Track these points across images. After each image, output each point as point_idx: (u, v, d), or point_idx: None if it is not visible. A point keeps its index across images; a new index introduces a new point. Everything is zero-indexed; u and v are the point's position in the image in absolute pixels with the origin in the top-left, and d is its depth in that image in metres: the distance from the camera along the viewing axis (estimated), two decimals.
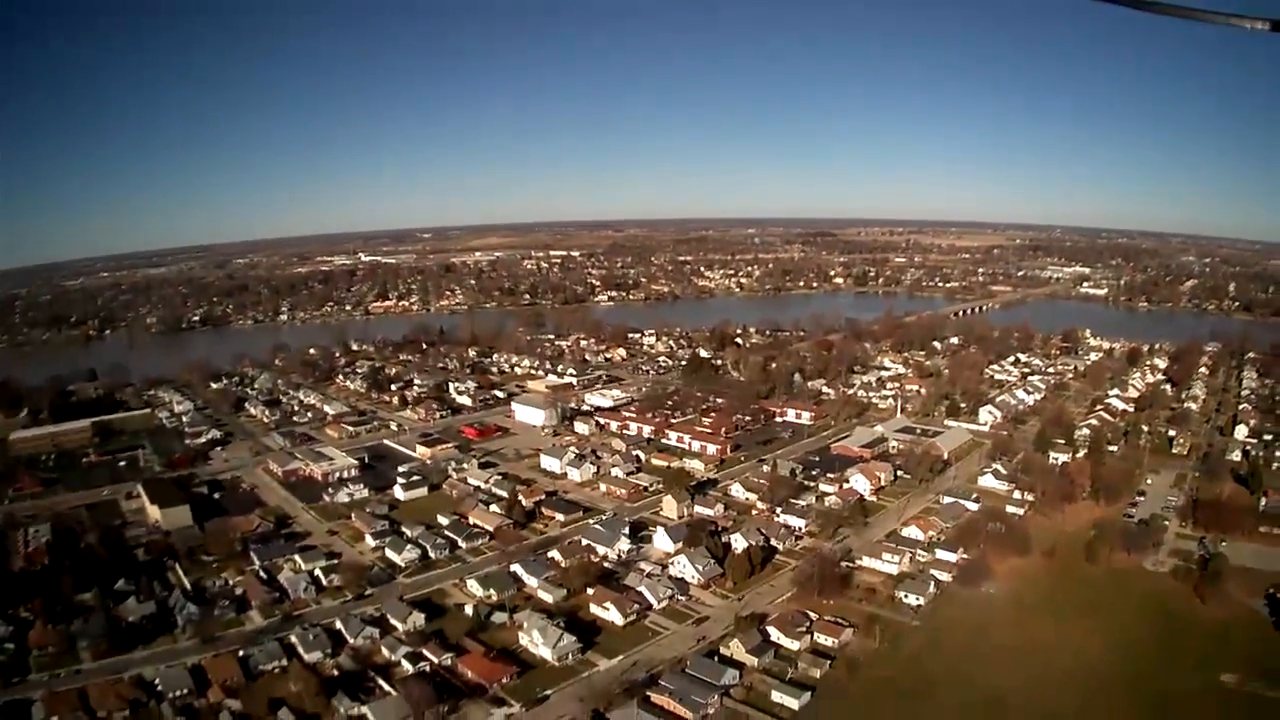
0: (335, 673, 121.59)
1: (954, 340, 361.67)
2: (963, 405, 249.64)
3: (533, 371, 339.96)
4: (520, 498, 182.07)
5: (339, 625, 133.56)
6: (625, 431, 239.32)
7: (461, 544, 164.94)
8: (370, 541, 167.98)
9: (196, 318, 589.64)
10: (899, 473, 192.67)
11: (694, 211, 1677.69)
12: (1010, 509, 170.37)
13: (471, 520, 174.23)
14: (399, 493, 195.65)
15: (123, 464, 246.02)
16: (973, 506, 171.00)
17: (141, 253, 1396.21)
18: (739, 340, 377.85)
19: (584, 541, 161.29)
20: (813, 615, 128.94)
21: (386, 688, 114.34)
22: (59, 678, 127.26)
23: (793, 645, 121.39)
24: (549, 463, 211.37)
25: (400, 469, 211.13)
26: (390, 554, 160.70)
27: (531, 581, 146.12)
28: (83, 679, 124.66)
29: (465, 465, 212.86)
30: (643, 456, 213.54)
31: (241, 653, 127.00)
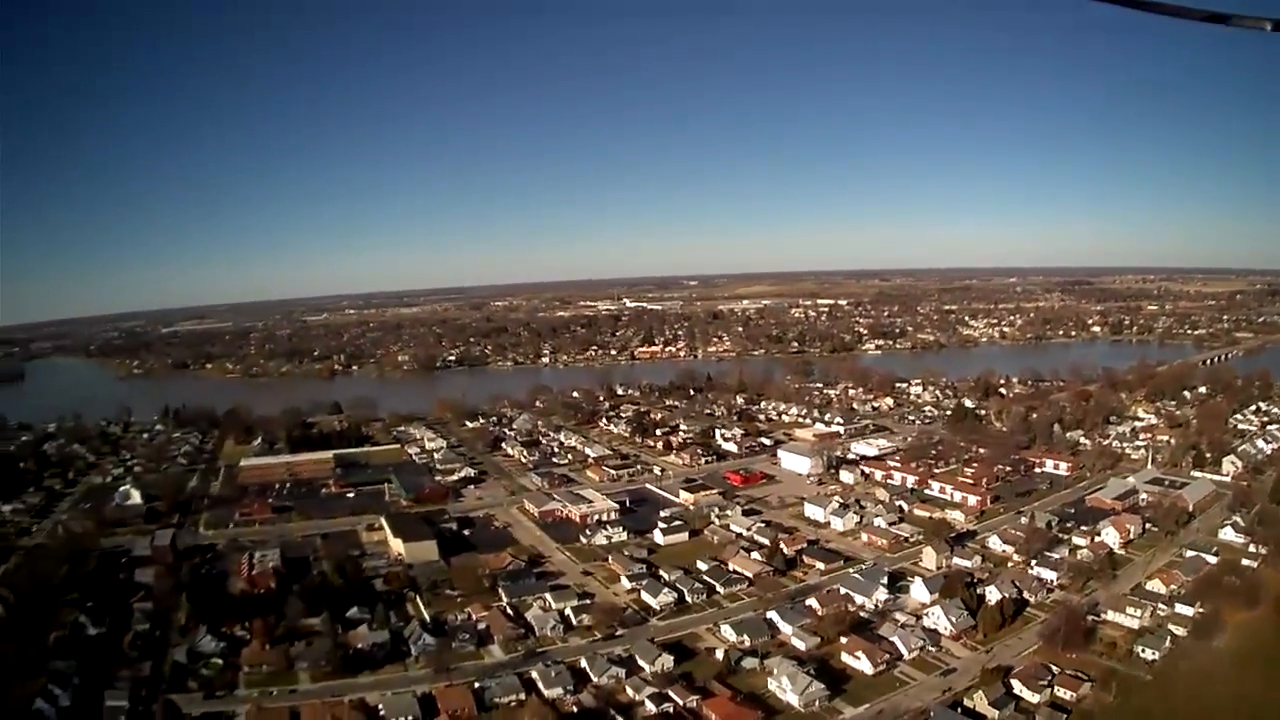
0: (574, 709, 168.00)
1: (1202, 389, 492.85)
2: (1208, 455, 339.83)
3: (800, 420, 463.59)
4: (782, 545, 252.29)
5: (584, 663, 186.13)
6: (889, 481, 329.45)
7: (719, 589, 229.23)
8: (626, 584, 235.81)
9: (452, 357, 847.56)
10: (1146, 525, 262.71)
11: (958, 261, 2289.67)
12: (1245, 562, 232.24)
13: (731, 566, 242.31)
14: (659, 537, 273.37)
15: (366, 497, 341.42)
16: (1211, 559, 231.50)
17: (391, 293, 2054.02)
18: (1001, 390, 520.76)
19: (842, 590, 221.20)
20: (1055, 668, 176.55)
21: None
22: (270, 695, 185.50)
23: (1034, 698, 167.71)
24: (813, 511, 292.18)
25: (662, 514, 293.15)
26: (645, 596, 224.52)
27: (786, 628, 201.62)
28: (297, 698, 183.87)
29: (728, 512, 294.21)
30: (905, 506, 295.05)
31: (477, 685, 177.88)
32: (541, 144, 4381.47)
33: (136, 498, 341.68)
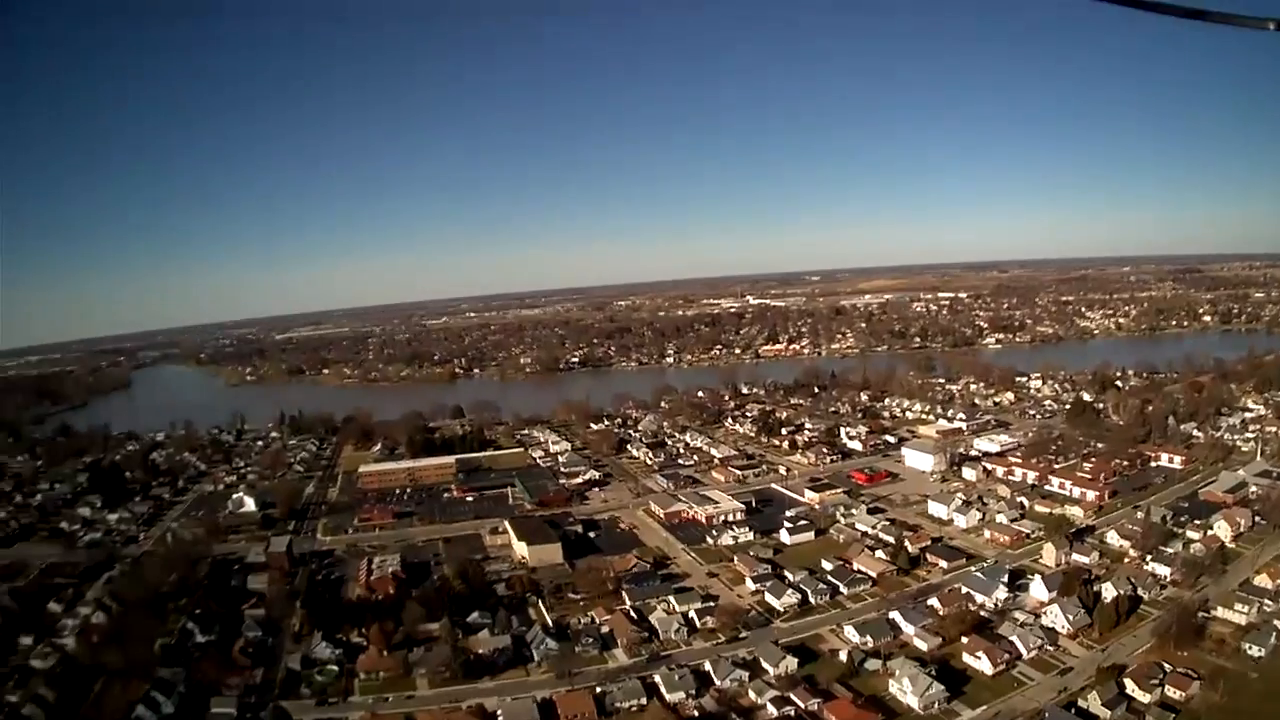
0: (695, 713, 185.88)
1: None
2: None
3: (923, 416, 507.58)
4: (906, 544, 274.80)
5: (707, 666, 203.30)
6: (1010, 477, 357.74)
7: (843, 590, 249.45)
8: (750, 585, 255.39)
9: (576, 359, 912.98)
10: (1256, 519, 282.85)
11: (1072, 250, 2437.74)
12: None
13: (855, 566, 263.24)
14: (785, 537, 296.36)
15: (489, 501, 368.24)
16: None
17: (512, 294, 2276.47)
18: (1118, 383, 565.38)
19: (963, 589, 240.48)
20: (1167, 667, 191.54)
21: None
22: (386, 701, 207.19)
23: (1145, 698, 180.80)
24: (936, 509, 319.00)
25: (787, 513, 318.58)
26: (770, 598, 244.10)
27: (908, 629, 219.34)
28: (414, 705, 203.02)
29: (853, 510, 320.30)
30: (1026, 503, 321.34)
31: (599, 689, 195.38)
32: (668, 140, 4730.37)
33: (250, 505, 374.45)
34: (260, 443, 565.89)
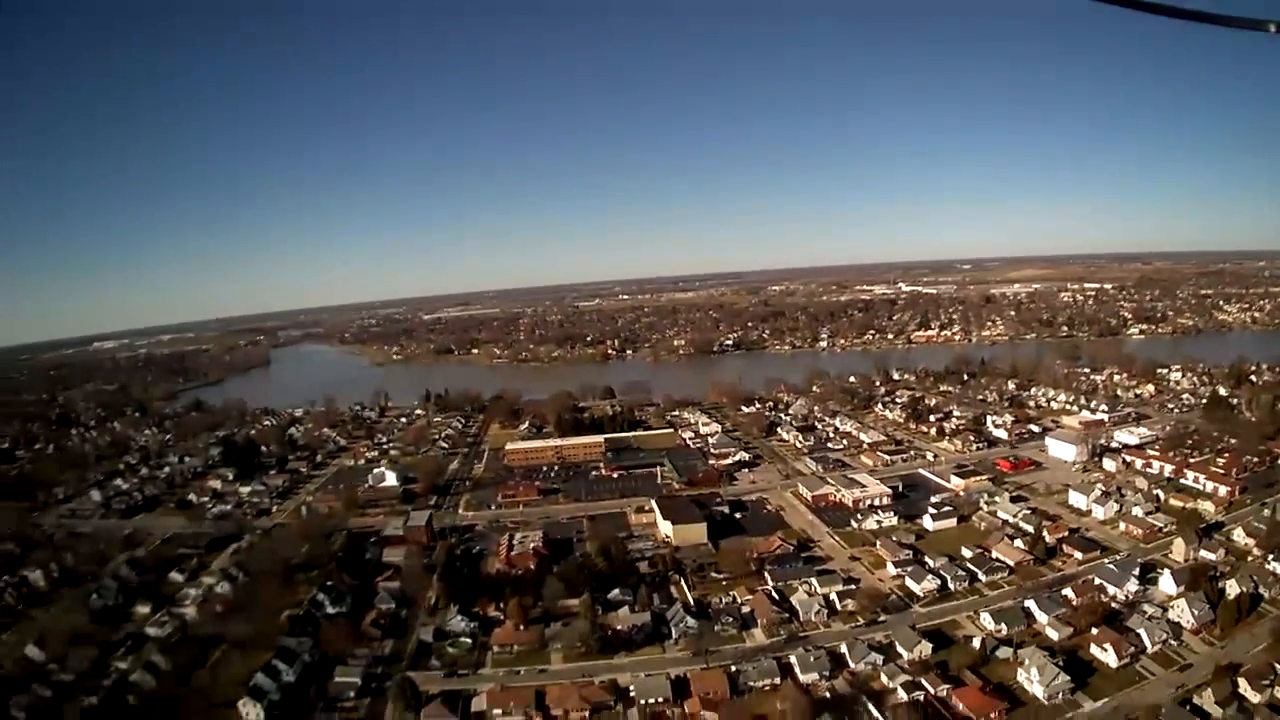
0: (828, 695, 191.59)
1: None
2: None
3: (1067, 406, 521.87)
4: (1044, 533, 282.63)
5: (843, 649, 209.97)
6: (1148, 470, 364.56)
7: (981, 577, 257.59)
8: (891, 570, 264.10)
9: (729, 342, 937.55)
10: None
11: (1213, 244, 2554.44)
12: None
13: (994, 554, 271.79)
14: (928, 523, 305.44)
15: (637, 480, 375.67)
16: None
17: (666, 278, 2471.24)
18: (1252, 377, 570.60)
19: (1096, 580, 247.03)
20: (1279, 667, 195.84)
21: (875, 713, 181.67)
22: (517, 675, 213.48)
23: (1255, 698, 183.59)
24: (1076, 499, 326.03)
25: (932, 499, 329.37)
26: (910, 583, 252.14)
27: (1041, 618, 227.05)
28: (545, 678, 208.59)
29: (996, 499, 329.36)
30: (1161, 496, 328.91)
31: (734, 668, 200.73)
32: (828, 131, 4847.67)
33: (391, 479, 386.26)
34: (404, 420, 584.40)
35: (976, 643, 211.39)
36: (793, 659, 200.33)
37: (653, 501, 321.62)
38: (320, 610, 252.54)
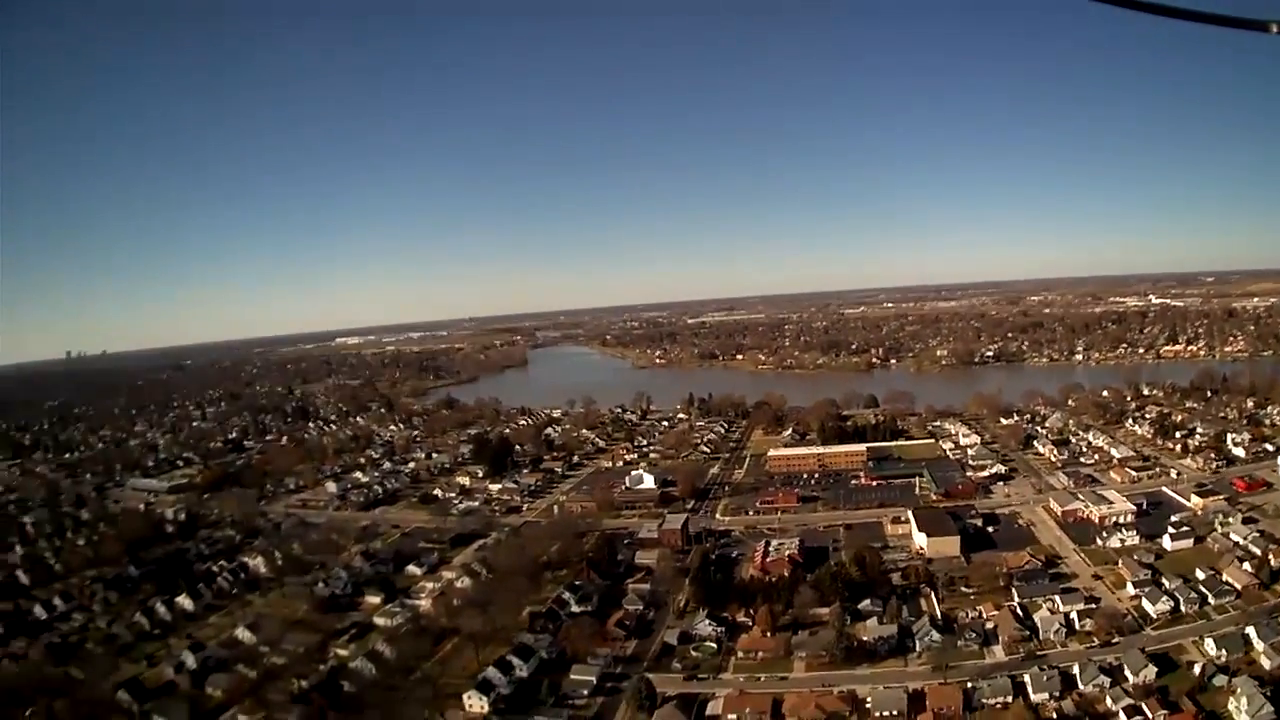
0: (1054, 716, 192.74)
1: None
2: None
3: None
4: (1270, 557, 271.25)
5: (1075, 670, 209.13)
6: None
7: (1210, 600, 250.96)
8: (1130, 590, 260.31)
9: (989, 353, 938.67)
10: None
11: None
12: None
13: (1224, 577, 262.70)
14: (1166, 542, 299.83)
15: (895, 490, 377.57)
16: None
17: (929, 286, 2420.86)
18: None
19: None
20: None
21: None
22: (758, 681, 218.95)
23: None
24: None
25: (1172, 519, 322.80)
26: (1145, 604, 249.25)
27: (1259, 645, 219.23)
28: (785, 686, 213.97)
29: (1230, 519, 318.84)
30: None
31: (970, 684, 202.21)
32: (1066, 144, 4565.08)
33: (649, 482, 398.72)
34: (665, 423, 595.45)
35: (1197, 669, 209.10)
36: (1027, 677, 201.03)
37: (909, 512, 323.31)
38: (564, 608, 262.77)
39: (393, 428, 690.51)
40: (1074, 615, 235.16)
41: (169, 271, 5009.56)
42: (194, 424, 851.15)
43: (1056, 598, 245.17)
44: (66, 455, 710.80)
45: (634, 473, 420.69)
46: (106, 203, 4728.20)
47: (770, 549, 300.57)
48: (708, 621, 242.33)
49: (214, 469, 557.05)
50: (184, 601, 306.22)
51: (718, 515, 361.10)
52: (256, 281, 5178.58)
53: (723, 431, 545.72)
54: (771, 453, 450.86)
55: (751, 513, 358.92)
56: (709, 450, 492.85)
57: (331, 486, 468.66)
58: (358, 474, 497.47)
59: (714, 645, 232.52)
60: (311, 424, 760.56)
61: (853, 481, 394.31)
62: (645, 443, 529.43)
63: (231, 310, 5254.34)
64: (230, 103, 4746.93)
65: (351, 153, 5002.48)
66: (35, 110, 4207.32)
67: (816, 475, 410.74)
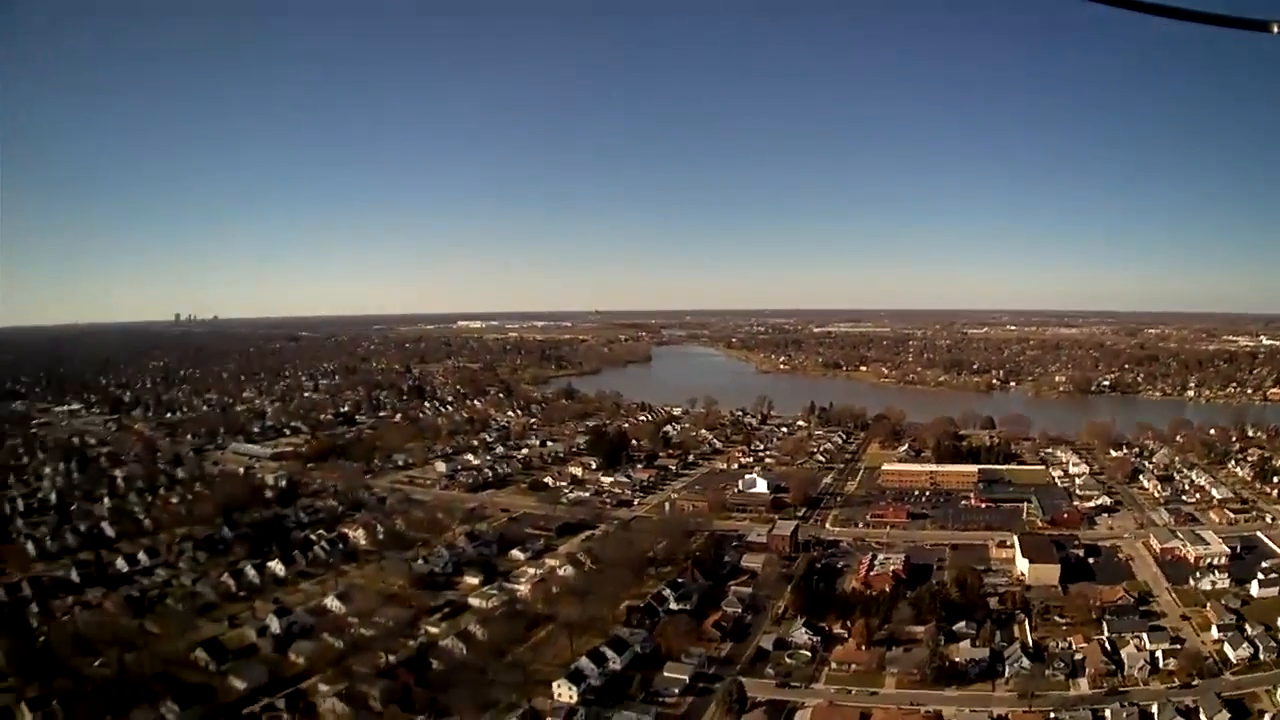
0: None
1: None
2: None
3: None
4: None
5: (1154, 709, 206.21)
6: None
7: None
8: (1214, 633, 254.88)
9: (1106, 382, 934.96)
10: None
11: None
12: None
13: None
14: (1254, 588, 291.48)
15: (1003, 513, 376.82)
16: None
17: (1050, 312, 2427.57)
18: None
19: None
20: None
21: None
22: (848, 694, 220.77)
23: None
24: None
25: (1263, 564, 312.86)
26: (1227, 648, 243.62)
27: None
28: (874, 701, 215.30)
29: None
30: None
31: (1052, 715, 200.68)
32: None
33: (762, 486, 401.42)
34: (784, 429, 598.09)
35: (1267, 717, 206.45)
36: (1107, 713, 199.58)
37: (1014, 537, 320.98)
38: (663, 605, 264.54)
39: (510, 413, 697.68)
40: (1159, 653, 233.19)
41: (284, 244, 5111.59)
42: (305, 394, 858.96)
43: (1144, 635, 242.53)
44: (168, 415, 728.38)
45: (748, 476, 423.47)
46: (229, 169, 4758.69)
47: (875, 563, 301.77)
48: (805, 630, 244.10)
49: (322, 440, 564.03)
50: (275, 566, 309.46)
51: (827, 525, 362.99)
52: (376, 258, 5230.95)
53: (840, 442, 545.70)
54: (886, 467, 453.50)
55: (861, 525, 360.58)
56: (824, 459, 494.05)
57: (441, 466, 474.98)
58: (469, 456, 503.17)
59: (808, 654, 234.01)
60: (427, 404, 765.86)
61: (962, 502, 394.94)
62: (762, 447, 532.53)
63: (348, 286, 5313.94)
64: (373, 72, 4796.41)
65: (492, 139, 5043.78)
66: (149, 79, 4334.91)
67: (928, 493, 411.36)
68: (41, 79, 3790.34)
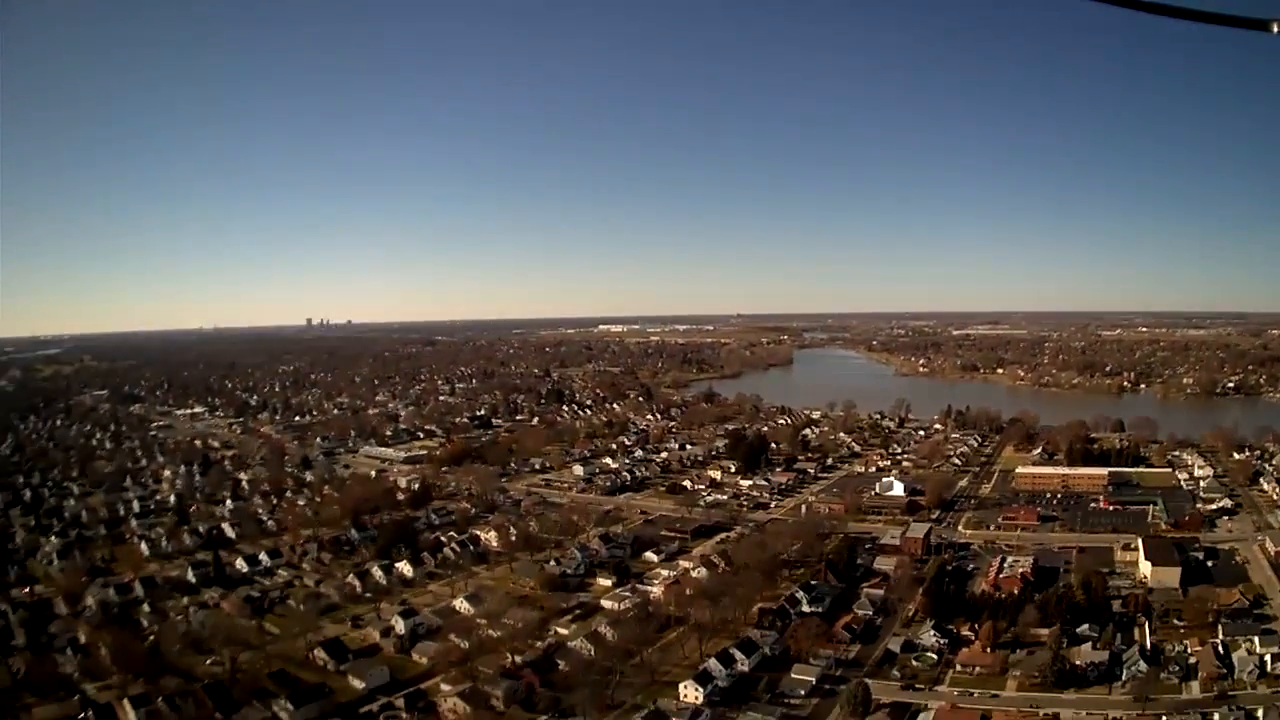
0: None
1: None
2: None
3: None
4: None
5: (1259, 713, 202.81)
6: None
7: None
8: None
9: (1231, 384, 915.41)
10: None
11: None
12: None
13: None
14: None
15: (1129, 516, 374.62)
16: None
17: (1179, 313, 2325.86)
18: None
19: None
20: None
21: None
22: (971, 696, 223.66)
23: None
24: None
25: None
26: None
27: None
28: (995, 704, 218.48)
29: None
30: None
31: (1163, 717, 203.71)
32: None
33: (898, 489, 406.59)
34: (921, 432, 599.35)
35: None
36: (1215, 716, 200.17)
37: (1139, 540, 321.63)
38: (795, 607, 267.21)
39: (649, 417, 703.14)
40: (1268, 657, 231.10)
41: (420, 247, 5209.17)
42: (440, 398, 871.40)
43: (1256, 638, 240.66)
44: (296, 419, 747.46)
45: (884, 479, 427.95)
46: (365, 168, 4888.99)
47: (1005, 565, 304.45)
48: (933, 632, 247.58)
49: (457, 443, 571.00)
50: (403, 568, 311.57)
51: (960, 528, 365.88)
52: (517, 264, 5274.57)
53: (975, 445, 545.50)
54: (1020, 470, 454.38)
55: (992, 528, 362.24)
56: (960, 462, 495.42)
57: (578, 469, 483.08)
58: (607, 459, 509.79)
59: (934, 656, 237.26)
60: (565, 407, 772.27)
61: (1091, 504, 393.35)
62: (899, 450, 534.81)
63: (488, 290, 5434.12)
64: (526, 74, 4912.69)
65: (641, 142, 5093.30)
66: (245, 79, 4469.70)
67: (1059, 495, 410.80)
68: (171, 89, 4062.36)
